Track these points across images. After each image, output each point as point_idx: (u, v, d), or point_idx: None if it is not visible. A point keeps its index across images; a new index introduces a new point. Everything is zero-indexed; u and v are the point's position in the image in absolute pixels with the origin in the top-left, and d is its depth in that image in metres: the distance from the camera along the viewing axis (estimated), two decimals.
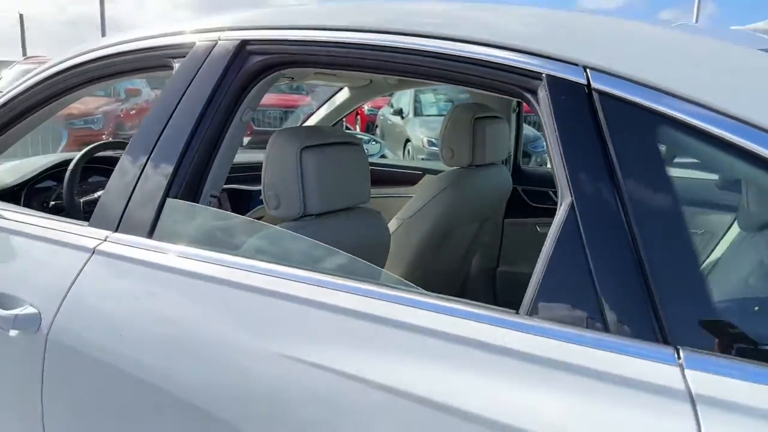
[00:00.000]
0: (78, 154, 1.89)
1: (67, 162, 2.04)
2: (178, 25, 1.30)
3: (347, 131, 3.47)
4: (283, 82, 1.90)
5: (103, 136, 6.52)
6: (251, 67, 1.14)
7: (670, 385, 0.60)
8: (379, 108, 11.35)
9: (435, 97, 9.30)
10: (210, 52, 1.17)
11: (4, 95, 1.64)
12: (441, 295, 0.81)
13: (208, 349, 0.92)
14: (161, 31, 1.32)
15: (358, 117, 12.29)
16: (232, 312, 0.94)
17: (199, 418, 0.89)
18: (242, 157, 2.40)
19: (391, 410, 0.73)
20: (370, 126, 11.79)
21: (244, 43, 1.14)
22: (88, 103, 6.65)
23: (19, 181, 1.92)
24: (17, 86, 1.61)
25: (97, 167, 2.11)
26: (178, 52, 1.24)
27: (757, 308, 0.70)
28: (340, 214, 1.34)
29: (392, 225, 1.87)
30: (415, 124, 8.65)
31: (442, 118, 1.94)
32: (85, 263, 1.13)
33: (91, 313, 1.10)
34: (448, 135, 1.87)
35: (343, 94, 2.48)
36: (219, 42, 1.16)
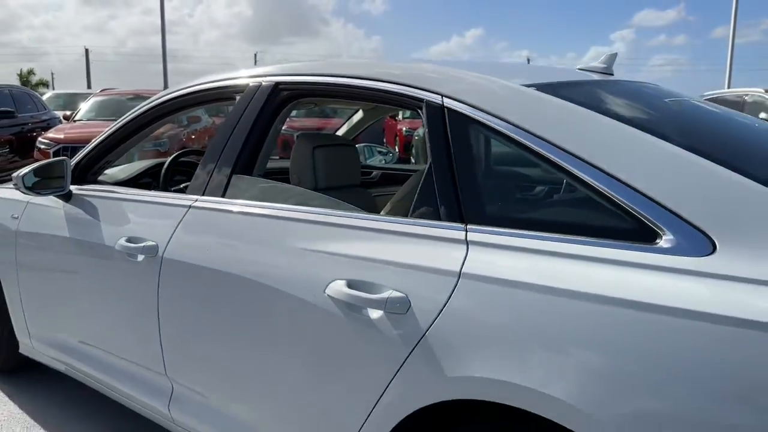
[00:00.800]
0: (169, 158, 2.73)
1: (159, 165, 2.88)
2: (238, 73, 2.11)
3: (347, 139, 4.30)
4: (309, 107, 2.69)
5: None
6: (281, 98, 1.93)
7: (459, 238, 1.34)
8: (414, 129, 12.25)
9: None
10: (257, 89, 1.97)
11: (122, 119, 2.49)
12: (359, 211, 1.57)
13: (257, 248, 1.69)
14: (228, 76, 2.13)
15: (397, 138, 13.19)
16: (269, 231, 1.71)
17: (260, 285, 1.66)
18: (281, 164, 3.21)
19: (335, 262, 1.49)
20: (407, 146, 12.64)
21: (278, 84, 1.93)
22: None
23: (127, 177, 2.75)
24: (131, 113, 2.45)
25: (178, 170, 2.94)
26: (238, 89, 2.05)
27: (500, 204, 1.42)
28: (340, 189, 2.10)
29: (387, 207, 2.62)
30: None
31: None
32: (185, 213, 1.92)
33: (189, 241, 1.88)
34: (423, 140, 2.62)
35: (359, 114, 3.26)
36: (262, 84, 1.96)
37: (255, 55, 52.01)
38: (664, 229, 1.13)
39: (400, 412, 1.31)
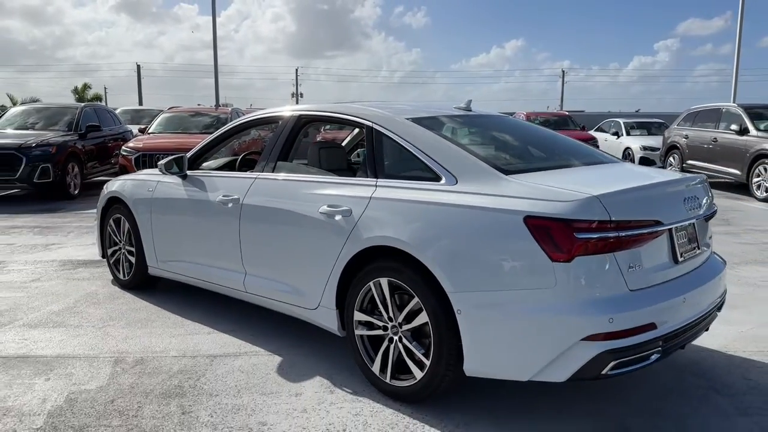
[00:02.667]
0: (239, 157, 4.62)
1: (232, 161, 4.76)
2: (281, 108, 3.98)
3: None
4: (320, 128, 4.55)
5: None
6: (302, 122, 3.79)
7: (372, 183, 3.14)
8: None
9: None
10: (290, 117, 3.83)
11: (215, 134, 4.38)
12: (334, 176, 3.39)
13: (289, 195, 3.52)
14: (276, 110, 4.01)
15: None
16: (295, 187, 3.54)
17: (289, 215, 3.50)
18: None
19: (324, 198, 3.31)
20: None
21: (301, 115, 3.80)
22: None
23: (216, 167, 4.62)
24: (220, 131, 4.35)
25: (244, 162, 4.81)
26: (280, 117, 3.92)
27: (390, 169, 3.21)
28: (331, 169, 3.92)
29: None
30: None
31: None
32: (254, 181, 3.79)
33: (256, 195, 3.73)
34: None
35: (356, 130, 5.09)
36: (293, 114, 3.82)
37: (296, 70, 54.90)
38: (441, 176, 2.93)
39: (348, 256, 3.11)
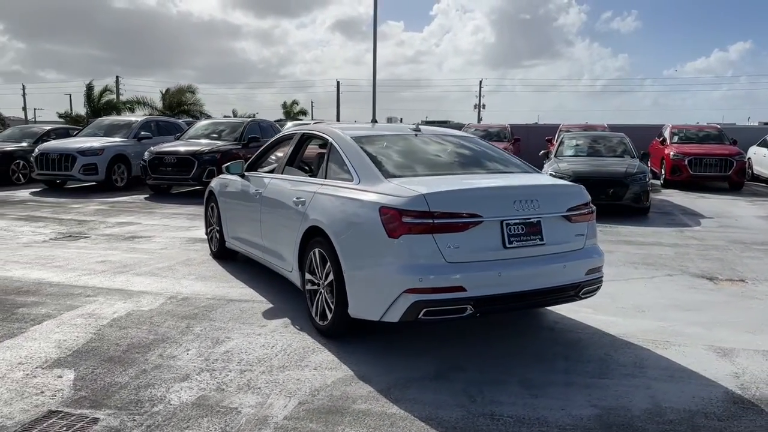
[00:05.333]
0: (275, 165, 6.19)
1: (275, 168, 6.33)
2: (293, 129, 5.47)
3: None
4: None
5: None
6: (303, 138, 5.24)
7: (320, 184, 4.47)
8: (685, 154, 14.91)
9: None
10: (298, 135, 5.29)
11: (262, 146, 6.00)
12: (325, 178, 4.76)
13: (283, 190, 4.97)
14: (291, 129, 5.51)
15: (663, 161, 15.53)
16: (289, 183, 4.98)
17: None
18: None
19: (296, 192, 4.70)
20: (675, 169, 14.76)
21: (304, 133, 5.25)
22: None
23: (269, 169, 6.22)
24: (267, 143, 5.96)
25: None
26: (293, 134, 5.40)
27: (331, 172, 4.48)
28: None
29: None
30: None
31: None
32: (270, 180, 5.31)
33: (270, 189, 5.23)
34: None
35: None
36: (298, 132, 5.29)
37: (480, 81, 56.43)
38: (354, 178, 4.16)
39: (302, 233, 4.44)
